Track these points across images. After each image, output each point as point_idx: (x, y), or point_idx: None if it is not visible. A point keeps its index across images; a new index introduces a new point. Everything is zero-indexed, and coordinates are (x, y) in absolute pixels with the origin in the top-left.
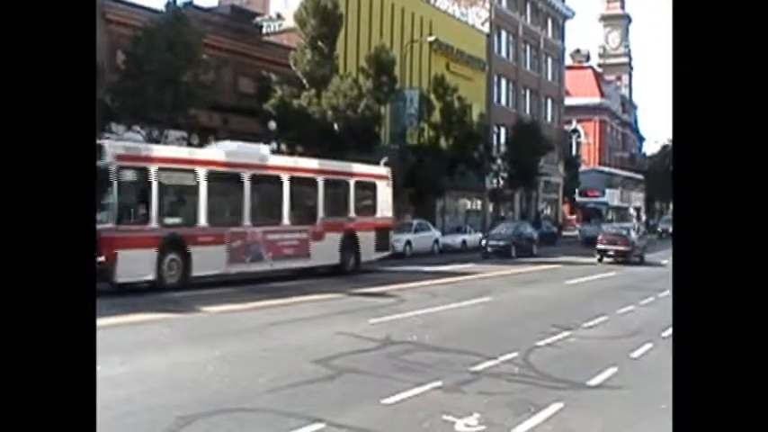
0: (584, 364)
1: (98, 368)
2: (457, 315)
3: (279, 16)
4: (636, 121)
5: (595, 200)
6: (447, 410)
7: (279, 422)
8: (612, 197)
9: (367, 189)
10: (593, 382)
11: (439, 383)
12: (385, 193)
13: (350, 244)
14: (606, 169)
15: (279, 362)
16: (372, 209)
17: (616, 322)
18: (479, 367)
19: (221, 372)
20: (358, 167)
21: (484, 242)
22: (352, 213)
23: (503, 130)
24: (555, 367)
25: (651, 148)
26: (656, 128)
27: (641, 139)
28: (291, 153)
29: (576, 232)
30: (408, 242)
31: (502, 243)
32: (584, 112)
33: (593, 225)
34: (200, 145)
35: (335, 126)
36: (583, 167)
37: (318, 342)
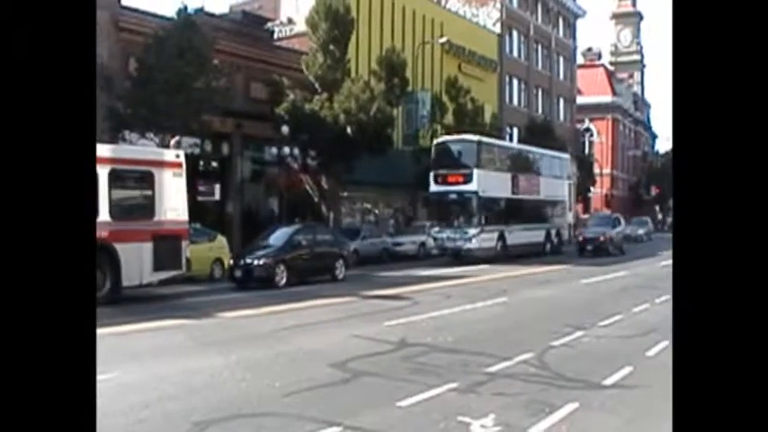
0: (599, 363)
1: (114, 374)
2: (471, 316)
3: (290, 21)
4: (648, 119)
5: (457, 188)
6: (462, 412)
7: (295, 426)
8: (489, 184)
9: (137, 181)
10: (609, 381)
11: (454, 385)
12: (173, 188)
13: (101, 262)
14: (476, 138)
15: (294, 366)
16: (148, 209)
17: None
18: (494, 368)
19: (237, 377)
20: (118, 150)
21: None
22: (105, 216)
23: (515, 131)
24: (570, 367)
25: (664, 145)
26: (669, 125)
27: (654, 136)
28: (305, 157)
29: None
30: (423, 244)
31: None
32: (597, 110)
33: (458, 229)
34: (214, 151)
35: (348, 129)
36: (443, 137)
37: (333, 345)
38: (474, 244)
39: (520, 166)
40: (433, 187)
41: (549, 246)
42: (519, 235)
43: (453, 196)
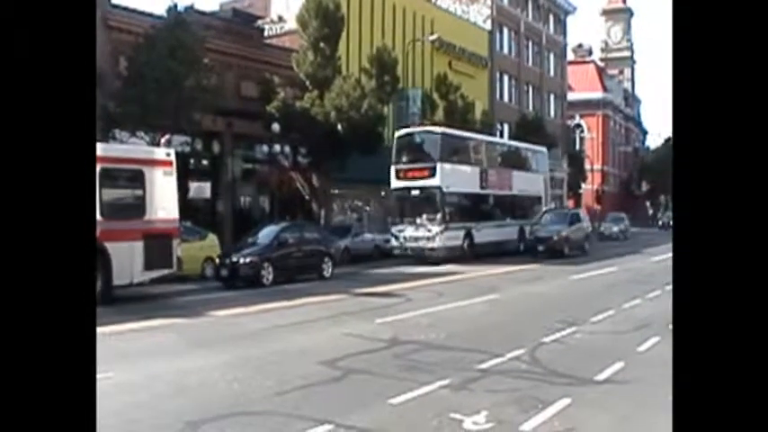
0: (591, 359)
1: (108, 374)
2: (463, 313)
3: (280, 19)
4: (639, 115)
5: (419, 183)
6: (455, 409)
7: (287, 425)
8: (454, 178)
9: (128, 180)
10: (601, 377)
11: (446, 382)
12: (164, 187)
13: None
14: (439, 129)
15: (286, 364)
16: (139, 208)
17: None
18: (486, 365)
19: (228, 376)
20: (108, 148)
21: None
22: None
23: (506, 127)
24: (562, 363)
25: (655, 141)
26: (660, 121)
27: (644, 132)
28: (296, 155)
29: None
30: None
31: None
32: (587, 106)
33: (420, 227)
34: (205, 149)
35: (339, 127)
36: (405, 130)
37: (325, 343)
38: (437, 243)
39: (489, 159)
40: (395, 183)
41: (522, 244)
42: (488, 233)
43: (416, 192)
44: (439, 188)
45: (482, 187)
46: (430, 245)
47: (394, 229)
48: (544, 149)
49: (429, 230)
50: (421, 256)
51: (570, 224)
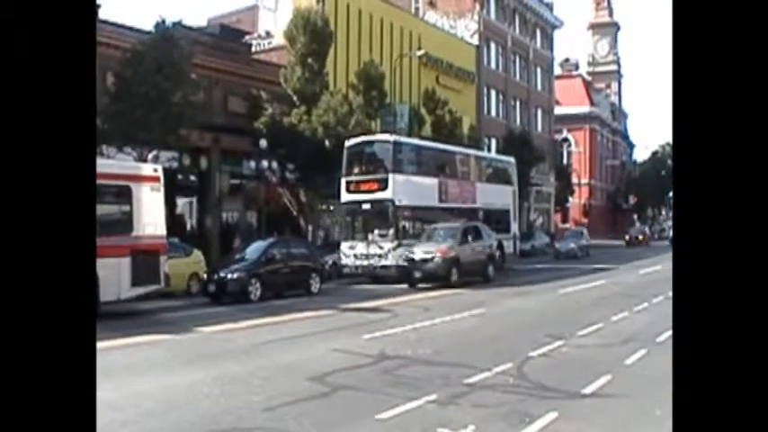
0: (578, 372)
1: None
2: (450, 328)
3: (268, 34)
4: (626, 129)
5: (370, 196)
6: (442, 424)
7: None
8: (409, 191)
9: (115, 195)
10: (588, 390)
11: (433, 397)
12: (151, 202)
13: None
14: (392, 137)
15: (273, 380)
16: (126, 224)
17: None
18: (474, 379)
19: (216, 392)
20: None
21: None
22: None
23: (493, 142)
24: (549, 377)
25: (642, 154)
26: (647, 134)
27: (631, 146)
28: (283, 171)
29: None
30: None
31: None
32: (575, 120)
33: (371, 244)
34: (192, 165)
35: (327, 143)
36: (356, 138)
37: (313, 359)
38: (390, 260)
39: (450, 170)
40: (345, 196)
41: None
42: None
43: (366, 206)
44: (391, 201)
45: (441, 200)
46: (382, 263)
47: (344, 246)
48: (512, 159)
49: (380, 247)
50: (372, 275)
51: (462, 242)
